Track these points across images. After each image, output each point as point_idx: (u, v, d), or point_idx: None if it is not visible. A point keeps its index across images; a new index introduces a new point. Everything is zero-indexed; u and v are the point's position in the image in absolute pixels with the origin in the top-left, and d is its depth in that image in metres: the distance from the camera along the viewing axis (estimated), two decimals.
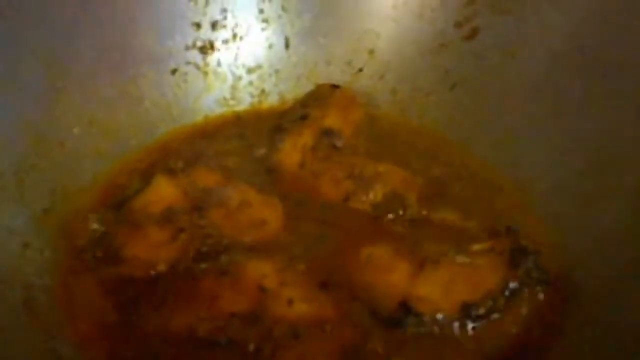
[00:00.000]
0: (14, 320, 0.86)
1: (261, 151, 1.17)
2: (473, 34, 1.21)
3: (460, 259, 0.95)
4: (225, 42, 1.28)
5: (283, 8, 1.28)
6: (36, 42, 1.07)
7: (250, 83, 1.30)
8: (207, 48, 1.26)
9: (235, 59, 1.29)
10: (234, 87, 1.29)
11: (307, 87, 1.28)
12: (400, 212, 1.04)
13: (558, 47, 1.12)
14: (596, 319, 0.89)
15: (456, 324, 0.89)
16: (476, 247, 0.97)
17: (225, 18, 1.27)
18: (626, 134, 1.01)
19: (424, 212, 1.05)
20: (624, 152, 1.00)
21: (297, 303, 0.90)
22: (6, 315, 0.86)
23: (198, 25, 1.25)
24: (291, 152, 1.13)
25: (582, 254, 0.97)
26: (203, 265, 0.95)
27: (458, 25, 1.23)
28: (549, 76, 1.13)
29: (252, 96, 1.30)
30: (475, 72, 1.22)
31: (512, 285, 0.91)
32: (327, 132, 1.15)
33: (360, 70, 1.30)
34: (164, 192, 1.03)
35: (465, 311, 0.89)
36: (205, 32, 1.26)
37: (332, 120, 1.17)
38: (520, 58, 1.17)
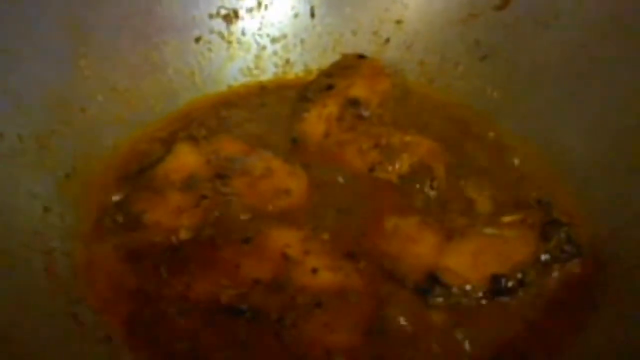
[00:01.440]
0: (34, 284, 0.85)
1: (285, 121, 1.14)
2: (505, 4, 1.18)
3: (489, 230, 0.93)
4: (250, 10, 1.26)
5: None
6: (59, 9, 1.06)
7: (275, 53, 1.28)
8: (231, 16, 1.24)
9: (260, 28, 1.27)
10: (258, 57, 1.27)
11: (332, 57, 1.26)
12: (427, 183, 1.02)
13: (592, 16, 1.09)
14: (629, 293, 0.86)
15: (485, 296, 0.86)
16: (506, 219, 0.94)
17: None
18: None
19: (452, 183, 1.02)
20: None
21: (321, 272, 0.88)
22: (27, 279, 0.85)
23: None
24: (316, 122, 1.11)
25: (614, 227, 0.94)
26: (226, 233, 0.93)
27: None
28: (583, 46, 1.09)
29: (276, 66, 1.28)
30: (507, 44, 1.18)
31: (543, 258, 0.89)
32: (353, 102, 1.12)
33: (387, 40, 1.27)
34: (186, 159, 1.02)
35: (495, 283, 0.86)
36: (230, 0, 1.24)
37: (358, 90, 1.14)
38: (553, 28, 1.13)
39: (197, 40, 1.22)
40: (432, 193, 1.01)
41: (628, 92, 1.03)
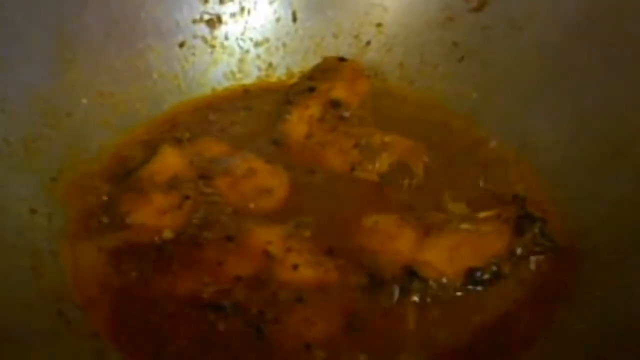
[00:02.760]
0: (21, 283, 0.87)
1: (268, 123, 1.16)
2: (481, 6, 1.21)
3: (466, 226, 0.95)
4: (233, 15, 1.28)
5: None
6: (45, 15, 1.08)
7: (258, 56, 1.30)
8: (214, 21, 1.26)
9: (243, 32, 1.29)
10: (241, 61, 1.29)
11: (314, 60, 1.28)
12: (406, 182, 1.04)
13: (566, 18, 1.11)
14: (601, 287, 0.89)
15: (460, 289, 0.88)
16: (482, 214, 0.97)
17: None
18: (635, 103, 1.01)
19: (430, 181, 1.04)
20: (632, 121, 1.00)
21: (302, 268, 0.90)
22: (14, 278, 0.87)
23: None
24: (298, 123, 1.13)
25: (588, 222, 0.97)
26: (208, 232, 0.95)
27: None
28: (558, 48, 1.12)
29: (259, 69, 1.30)
30: (483, 45, 1.21)
31: (518, 251, 0.92)
32: (334, 104, 1.15)
33: (368, 43, 1.29)
34: (170, 161, 1.04)
35: (470, 276, 0.89)
36: (213, 6, 1.26)
37: (339, 92, 1.17)
38: (528, 30, 1.16)
39: (181, 45, 1.24)
40: (411, 191, 1.04)
41: (601, 92, 1.06)
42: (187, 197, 0.98)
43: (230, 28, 1.28)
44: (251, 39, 1.29)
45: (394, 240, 0.95)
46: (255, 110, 1.21)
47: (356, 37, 1.30)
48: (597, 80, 1.06)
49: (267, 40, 1.30)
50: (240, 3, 1.28)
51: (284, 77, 1.30)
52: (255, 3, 1.28)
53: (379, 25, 1.29)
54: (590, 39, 1.08)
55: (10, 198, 0.95)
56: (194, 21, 1.25)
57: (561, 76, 1.11)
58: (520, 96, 1.15)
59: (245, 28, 1.29)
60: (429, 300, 0.88)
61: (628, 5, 1.06)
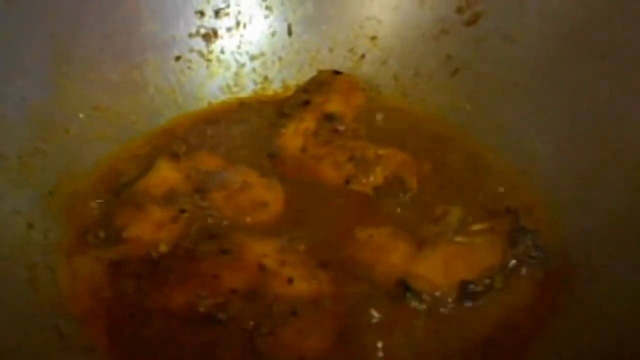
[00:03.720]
0: (17, 297, 0.88)
1: (263, 136, 1.17)
2: (474, 20, 1.22)
3: (459, 239, 0.96)
4: (229, 29, 1.29)
5: None
6: (41, 28, 1.09)
7: (254, 70, 1.31)
8: (210, 35, 1.28)
9: (239, 46, 1.30)
10: (237, 74, 1.30)
11: (309, 74, 1.28)
12: (400, 195, 1.05)
13: (559, 31, 1.12)
14: (594, 298, 0.89)
15: (454, 302, 0.89)
16: (475, 227, 0.97)
17: (228, 6, 1.28)
18: (626, 115, 1.01)
19: (424, 194, 1.05)
20: (625, 132, 1.01)
21: (296, 281, 0.91)
22: (10, 292, 0.88)
23: (202, 13, 1.26)
24: (293, 136, 1.14)
25: (581, 234, 0.97)
26: (204, 246, 0.95)
27: (459, 10, 1.23)
28: (550, 60, 1.13)
29: (255, 83, 1.31)
30: (477, 57, 1.22)
31: (511, 264, 0.92)
32: (329, 117, 1.15)
33: (363, 56, 1.30)
34: (166, 175, 1.05)
35: (463, 289, 0.89)
36: (209, 20, 1.27)
37: (333, 105, 1.17)
38: (521, 42, 1.17)
39: (177, 59, 1.25)
40: (405, 204, 1.05)
41: (594, 103, 1.06)
42: (183, 211, 0.99)
43: (226, 42, 1.29)
44: (247, 53, 1.30)
45: (388, 253, 0.95)
46: (251, 124, 1.22)
47: (351, 50, 1.31)
48: (589, 92, 1.07)
49: (262, 54, 1.31)
50: (236, 17, 1.29)
51: (279, 91, 1.31)
52: (251, 17, 1.29)
53: (373, 38, 1.30)
54: (582, 51, 1.09)
55: (6, 212, 0.96)
56: (190, 35, 1.26)
57: (554, 88, 1.12)
58: (514, 108, 1.16)
59: (241, 42, 1.30)
60: (422, 313, 0.88)
61: (620, 17, 1.06)
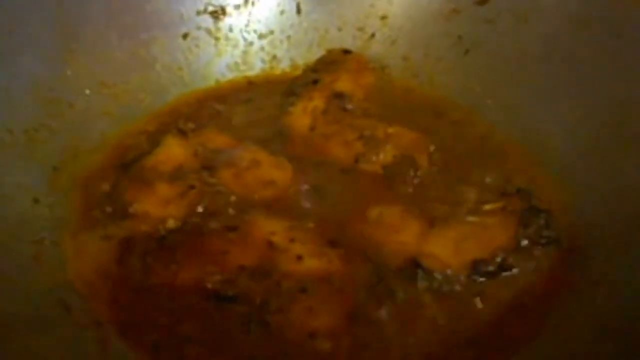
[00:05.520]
0: (23, 272, 0.87)
1: (272, 115, 1.16)
2: None
3: (471, 218, 0.95)
4: (237, 7, 1.27)
5: None
6: (48, 5, 1.08)
7: (262, 48, 1.29)
8: (218, 13, 1.26)
9: (247, 24, 1.28)
10: (245, 53, 1.29)
11: (318, 53, 1.27)
12: (411, 173, 1.04)
13: (571, 10, 1.11)
14: (607, 278, 0.88)
15: (465, 281, 0.88)
16: (487, 207, 0.96)
17: None
18: (638, 95, 1.00)
19: (434, 173, 1.04)
20: (637, 114, 0.99)
21: (306, 259, 0.90)
22: (16, 268, 0.87)
23: None
24: (302, 115, 1.13)
25: (593, 214, 0.96)
26: (212, 222, 0.94)
27: None
28: (562, 39, 1.11)
29: (263, 62, 1.30)
30: (488, 37, 1.20)
31: (523, 243, 0.91)
32: (338, 96, 1.14)
33: (372, 36, 1.29)
34: (174, 152, 1.04)
35: (475, 268, 0.88)
36: None
37: (343, 84, 1.16)
38: (533, 22, 1.15)
39: (185, 36, 1.24)
40: (415, 182, 1.03)
41: (606, 84, 1.05)
42: (191, 187, 0.98)
43: (234, 20, 1.28)
44: (255, 31, 1.29)
45: (399, 231, 0.94)
46: (259, 102, 1.21)
47: (360, 29, 1.29)
48: (602, 72, 1.06)
49: (271, 32, 1.29)
50: None
51: (288, 70, 1.30)
52: None
53: (383, 17, 1.28)
54: (595, 31, 1.07)
55: (12, 187, 0.95)
56: (198, 13, 1.25)
57: (566, 68, 1.11)
58: (525, 89, 1.15)
59: (249, 20, 1.28)
60: (434, 291, 0.87)
61: None
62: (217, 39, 1.27)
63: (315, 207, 0.99)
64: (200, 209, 0.96)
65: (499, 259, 0.89)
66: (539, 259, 0.91)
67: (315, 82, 1.17)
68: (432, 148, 1.07)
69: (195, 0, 1.24)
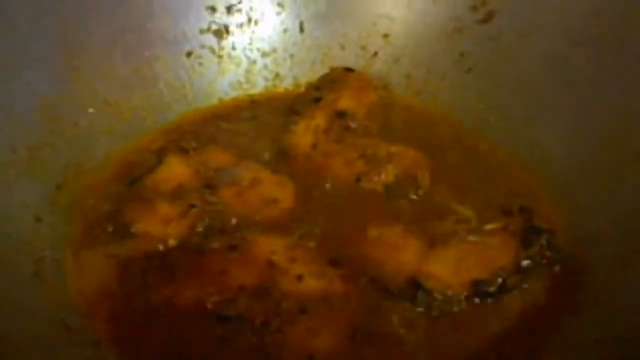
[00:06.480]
0: (24, 290, 0.87)
1: (274, 133, 1.16)
2: (488, 18, 1.20)
3: (472, 238, 0.94)
4: (240, 26, 1.28)
5: None
6: (52, 22, 1.08)
7: (265, 67, 1.30)
8: (222, 32, 1.27)
9: (250, 42, 1.29)
10: (248, 71, 1.29)
11: (321, 71, 1.27)
12: (412, 193, 1.04)
13: (574, 28, 1.11)
14: (610, 298, 0.88)
15: (466, 301, 0.88)
16: (488, 226, 0.96)
17: (240, 2, 1.27)
18: None
19: (436, 193, 1.04)
20: (638, 129, 0.99)
21: (306, 279, 0.90)
22: (17, 285, 0.87)
23: (213, 9, 1.25)
24: (304, 133, 1.13)
25: (596, 233, 0.96)
26: (213, 242, 0.94)
27: (473, 9, 1.21)
28: (565, 58, 1.11)
29: (266, 80, 1.30)
30: (491, 56, 1.20)
31: (524, 263, 0.91)
32: (340, 114, 1.14)
33: (375, 54, 1.29)
34: (175, 170, 1.04)
35: (475, 288, 0.88)
36: (221, 16, 1.26)
37: (345, 102, 1.16)
38: (535, 40, 1.15)
39: (189, 54, 1.25)
40: (417, 202, 1.03)
41: (609, 101, 1.05)
42: (192, 206, 0.98)
43: (238, 38, 1.28)
44: (258, 50, 1.29)
45: (399, 251, 0.94)
46: (262, 120, 1.21)
47: (363, 48, 1.29)
48: (604, 90, 1.06)
49: (274, 50, 1.30)
50: (247, 14, 1.28)
51: (290, 88, 1.30)
52: (263, 13, 1.28)
53: (386, 36, 1.28)
54: (597, 49, 1.07)
55: (14, 205, 0.95)
56: (202, 31, 1.25)
57: (568, 86, 1.10)
58: (528, 107, 1.14)
59: (252, 38, 1.29)
60: (434, 311, 0.87)
61: (635, 13, 1.05)
62: (220, 57, 1.27)
63: (316, 226, 0.99)
64: (200, 228, 0.96)
65: (500, 280, 0.88)
66: (541, 279, 0.91)
67: (317, 100, 1.17)
68: (433, 167, 1.06)
69: (199, 19, 1.25)
